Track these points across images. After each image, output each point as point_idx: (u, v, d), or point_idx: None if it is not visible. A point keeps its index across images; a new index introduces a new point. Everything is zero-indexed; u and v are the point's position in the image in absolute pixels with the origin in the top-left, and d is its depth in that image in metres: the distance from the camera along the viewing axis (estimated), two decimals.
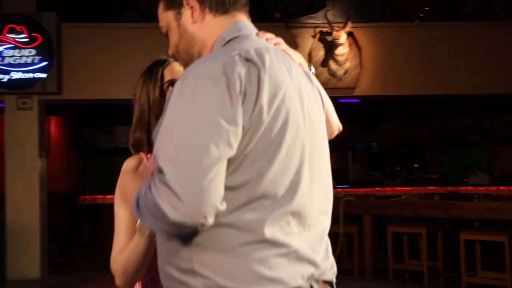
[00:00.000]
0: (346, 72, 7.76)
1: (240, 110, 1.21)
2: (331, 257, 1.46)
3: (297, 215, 1.29)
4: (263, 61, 1.27)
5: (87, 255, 8.46)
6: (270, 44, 1.41)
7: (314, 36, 7.83)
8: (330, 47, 7.67)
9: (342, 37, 7.49)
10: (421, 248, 6.37)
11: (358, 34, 7.82)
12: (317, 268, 1.34)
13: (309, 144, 1.34)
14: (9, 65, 7.16)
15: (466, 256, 5.90)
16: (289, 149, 1.28)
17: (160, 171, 1.19)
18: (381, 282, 6.51)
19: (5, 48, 7.16)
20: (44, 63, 7.21)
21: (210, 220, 1.19)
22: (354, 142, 13.69)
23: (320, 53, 7.81)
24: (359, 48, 7.81)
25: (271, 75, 1.27)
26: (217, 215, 1.20)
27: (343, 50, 7.58)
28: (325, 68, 7.78)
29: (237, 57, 1.25)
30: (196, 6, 1.42)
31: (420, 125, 12.65)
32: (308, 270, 1.31)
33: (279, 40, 1.47)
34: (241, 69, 1.22)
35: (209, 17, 1.42)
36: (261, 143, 1.24)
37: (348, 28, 7.59)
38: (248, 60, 1.25)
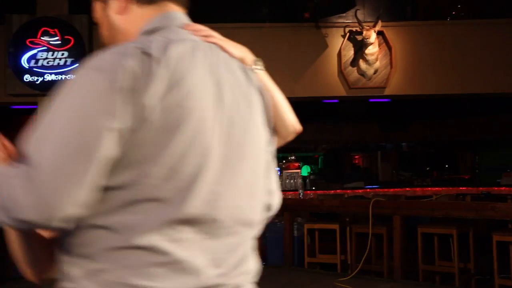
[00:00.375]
0: (376, 71, 7.71)
1: (124, 107, 1.10)
2: (246, 266, 1.30)
3: (194, 222, 1.17)
4: (165, 55, 1.16)
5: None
6: (193, 37, 1.30)
7: (343, 36, 7.80)
8: (360, 46, 7.63)
9: (372, 36, 7.45)
10: (452, 250, 6.29)
11: (388, 33, 7.76)
12: (207, 280, 1.20)
13: (222, 148, 1.21)
14: (43, 67, 7.31)
15: (498, 258, 5.80)
16: (183, 151, 1.15)
17: (27, 162, 1.09)
18: (411, 283, 6.44)
19: (39, 51, 7.31)
20: (76, 65, 7.32)
21: (68, 223, 1.11)
22: (384, 142, 13.59)
23: (349, 52, 7.77)
24: (389, 47, 7.75)
25: (174, 70, 1.15)
26: (88, 217, 1.12)
27: (373, 49, 7.53)
28: (355, 68, 7.74)
29: (134, 50, 1.14)
30: None
31: (451, 125, 12.48)
32: (193, 282, 1.18)
33: (210, 32, 1.36)
34: (133, 63, 1.11)
35: (134, 7, 1.34)
36: (147, 143, 1.13)
37: (378, 27, 7.53)
38: (145, 53, 1.14)
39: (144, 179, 1.13)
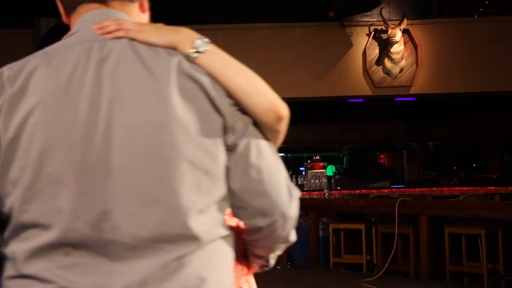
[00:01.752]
0: (401, 70, 7.64)
1: None
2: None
3: (84, 246, 1.08)
4: (18, 72, 1.15)
5: None
6: (97, 37, 1.19)
7: (368, 34, 7.75)
8: (385, 45, 7.58)
9: (398, 35, 7.38)
10: (481, 250, 6.20)
11: (414, 31, 7.69)
12: None
13: (86, 162, 1.09)
14: None
15: None
16: (32, 172, 1.09)
17: None
18: (438, 284, 6.37)
19: None
20: None
21: None
22: (410, 141, 13.46)
23: (375, 51, 7.72)
24: (415, 45, 7.67)
25: (20, 87, 1.12)
26: None
27: (398, 48, 7.47)
28: (380, 67, 7.69)
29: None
30: (62, 11, 1.33)
31: (479, 123, 12.29)
32: None
33: (118, 27, 1.19)
34: None
35: (68, 21, 1.31)
36: (4, 165, 1.10)
37: (404, 25, 7.47)
38: (1, 72, 1.16)
39: (16, 204, 1.10)
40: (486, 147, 13.64)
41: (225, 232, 1.20)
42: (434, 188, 10.74)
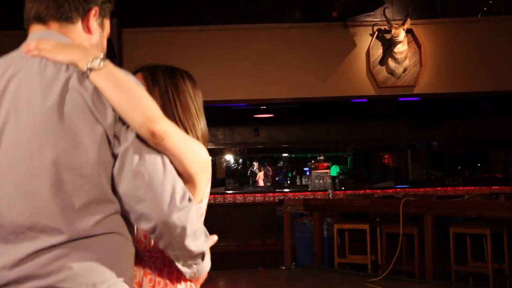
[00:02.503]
0: (405, 70, 7.63)
1: None
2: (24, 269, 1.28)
3: None
4: None
5: None
6: (21, 55, 1.41)
7: (372, 34, 7.74)
8: (389, 45, 7.56)
9: (401, 35, 7.37)
10: (486, 250, 6.18)
11: (417, 31, 7.68)
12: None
13: None
14: None
15: None
16: None
17: None
18: (443, 284, 6.35)
19: None
20: None
21: None
22: (414, 141, 13.43)
23: (378, 51, 7.71)
24: (418, 45, 7.66)
25: None
26: None
27: (402, 47, 7.45)
28: (384, 67, 7.67)
29: None
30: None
31: (483, 123, 12.26)
32: None
33: (35, 47, 1.37)
34: None
35: None
36: None
37: (407, 25, 7.45)
38: None
39: None
40: (490, 147, 13.61)
41: (104, 231, 1.32)
42: (438, 188, 10.72)
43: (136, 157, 1.31)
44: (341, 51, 7.82)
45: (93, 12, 1.46)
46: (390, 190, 10.62)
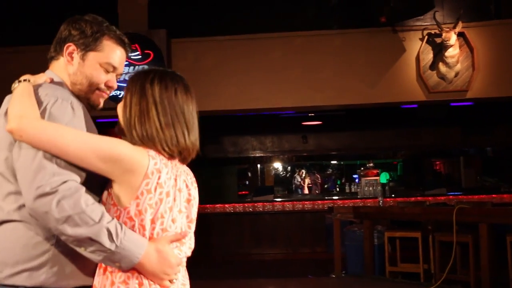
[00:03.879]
0: (457, 74, 7.46)
1: None
2: None
3: None
4: None
5: (197, 262, 8.75)
6: None
7: (422, 39, 7.61)
8: (440, 49, 7.41)
9: (452, 38, 7.21)
10: None
11: (469, 34, 7.50)
12: None
13: None
14: (125, 81, 7.57)
15: None
16: None
17: None
18: None
19: None
20: None
21: None
22: (467, 147, 13.09)
23: (428, 56, 7.57)
24: (471, 48, 7.48)
25: None
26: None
27: (453, 51, 7.29)
28: (434, 71, 7.53)
29: None
30: None
31: None
32: None
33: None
34: None
35: None
36: None
37: (459, 28, 7.29)
38: None
39: None
40: None
41: (6, 218, 1.63)
42: (493, 195, 10.41)
43: (17, 150, 1.60)
44: (390, 57, 7.72)
45: (69, 48, 1.84)
46: (442, 198, 10.39)
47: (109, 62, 1.89)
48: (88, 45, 1.84)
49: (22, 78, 1.74)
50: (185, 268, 1.78)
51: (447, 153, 13.94)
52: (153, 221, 1.62)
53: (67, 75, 1.84)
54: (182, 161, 1.75)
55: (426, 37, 7.57)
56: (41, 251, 1.61)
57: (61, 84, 1.81)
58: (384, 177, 12.18)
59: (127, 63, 7.63)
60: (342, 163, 15.00)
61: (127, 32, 8.33)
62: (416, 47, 7.63)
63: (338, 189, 13.60)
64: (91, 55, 1.85)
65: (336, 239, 7.71)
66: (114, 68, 1.93)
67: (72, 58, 1.84)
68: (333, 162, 15.11)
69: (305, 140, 12.46)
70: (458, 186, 13.08)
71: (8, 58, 8.07)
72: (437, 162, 15.19)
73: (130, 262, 1.56)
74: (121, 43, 1.96)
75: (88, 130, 1.71)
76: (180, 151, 1.70)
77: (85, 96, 1.86)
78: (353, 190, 12.02)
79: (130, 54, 7.77)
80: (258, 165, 14.18)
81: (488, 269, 6.22)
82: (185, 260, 1.75)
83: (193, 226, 1.77)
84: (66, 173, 1.55)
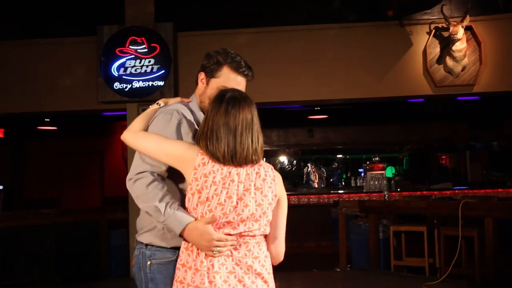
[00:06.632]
0: (464, 68, 7.43)
1: None
2: None
3: None
4: None
5: None
6: None
7: (429, 33, 7.58)
8: (447, 43, 7.38)
9: (460, 32, 7.17)
10: None
11: (477, 28, 7.46)
12: None
13: None
14: (131, 74, 7.61)
15: None
16: None
17: None
18: None
19: (127, 59, 7.61)
20: (162, 72, 7.58)
21: None
22: (473, 142, 13.05)
23: (435, 50, 7.54)
24: (478, 42, 7.44)
25: None
26: None
27: (460, 45, 7.25)
28: (441, 65, 7.49)
29: None
30: None
31: None
32: None
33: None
34: None
35: None
36: None
37: (466, 22, 7.25)
38: None
39: None
40: None
41: None
42: (499, 190, 10.40)
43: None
44: (397, 51, 7.69)
45: (201, 76, 2.48)
46: (448, 192, 10.38)
47: (225, 86, 2.37)
48: (210, 73, 2.43)
49: (158, 101, 2.45)
50: (249, 246, 2.14)
51: (453, 148, 13.90)
52: (201, 203, 2.07)
53: (198, 95, 2.49)
54: (239, 162, 2.11)
55: (433, 31, 7.54)
56: (152, 220, 2.22)
57: (194, 102, 2.49)
58: (389, 171, 12.15)
59: (133, 56, 7.69)
60: (348, 157, 14.96)
61: (134, 26, 8.34)
62: (423, 41, 7.60)
63: (343, 183, 13.57)
64: (212, 81, 2.43)
65: (341, 233, 7.73)
66: None
67: (202, 83, 2.46)
68: (339, 156, 15.08)
69: (311, 134, 12.45)
70: (464, 181, 13.05)
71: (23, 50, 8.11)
72: (443, 157, 15.15)
73: (176, 233, 2.10)
74: (237, 70, 2.44)
75: (177, 136, 2.28)
76: (228, 155, 2.09)
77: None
78: (358, 184, 12.01)
79: (137, 48, 7.79)
80: (264, 159, 14.17)
81: (493, 263, 6.21)
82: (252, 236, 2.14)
83: (251, 209, 2.09)
84: (145, 166, 2.22)
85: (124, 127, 9.39)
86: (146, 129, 2.34)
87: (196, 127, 2.36)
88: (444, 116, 11.48)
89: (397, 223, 7.64)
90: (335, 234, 9.03)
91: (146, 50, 7.59)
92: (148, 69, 7.57)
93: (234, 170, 2.10)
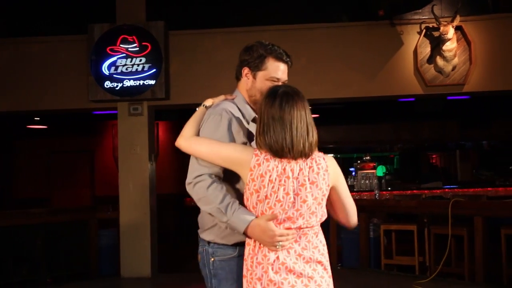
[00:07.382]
0: (454, 68, 7.46)
1: None
2: None
3: None
4: None
5: (194, 256, 8.77)
6: None
7: (419, 32, 7.60)
8: (437, 43, 7.42)
9: (450, 32, 7.21)
10: None
11: (467, 27, 7.50)
12: None
13: None
14: (122, 73, 7.58)
15: None
16: None
17: None
18: (494, 287, 6.20)
19: (118, 58, 7.58)
20: (153, 70, 7.55)
21: None
22: (463, 141, 13.14)
23: (426, 49, 7.57)
24: (468, 42, 7.49)
25: None
26: None
27: (451, 45, 7.29)
28: (432, 65, 7.53)
29: None
30: None
31: None
32: None
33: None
34: None
35: None
36: None
37: (457, 22, 7.29)
38: None
39: None
40: None
41: None
42: (489, 189, 10.48)
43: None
44: (387, 50, 7.72)
45: (245, 71, 2.52)
46: (438, 191, 10.44)
47: (273, 76, 2.48)
48: (256, 66, 2.48)
49: (204, 102, 2.51)
50: (308, 237, 2.26)
51: (443, 147, 13.99)
52: (260, 202, 2.16)
53: (246, 90, 2.53)
54: (295, 155, 2.17)
55: (424, 30, 7.57)
56: (213, 219, 2.30)
57: (239, 98, 2.53)
58: (380, 170, 12.21)
59: (124, 55, 7.66)
60: (339, 156, 15.00)
61: (125, 24, 8.30)
62: (414, 40, 7.63)
63: None
64: (260, 74, 2.49)
65: (332, 231, 7.75)
66: (278, 79, 2.51)
67: (248, 77, 2.51)
68: (330, 154, 15.14)
69: None
70: (454, 180, 13.13)
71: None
72: (434, 156, 15.24)
73: (239, 232, 2.18)
74: (280, 59, 2.51)
75: (229, 136, 2.34)
76: (283, 149, 2.15)
77: (260, 102, 2.37)
78: (349, 183, 12.05)
79: (128, 46, 7.75)
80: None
81: (482, 261, 6.26)
82: (309, 230, 2.26)
83: (308, 204, 2.18)
84: (203, 169, 2.27)
85: (115, 126, 9.25)
86: (198, 133, 2.40)
87: (245, 123, 2.44)
88: (434, 116, 11.54)
89: (388, 222, 7.67)
90: (325, 233, 9.05)
91: (137, 48, 7.57)
92: (139, 68, 7.55)
93: (288, 166, 2.17)
